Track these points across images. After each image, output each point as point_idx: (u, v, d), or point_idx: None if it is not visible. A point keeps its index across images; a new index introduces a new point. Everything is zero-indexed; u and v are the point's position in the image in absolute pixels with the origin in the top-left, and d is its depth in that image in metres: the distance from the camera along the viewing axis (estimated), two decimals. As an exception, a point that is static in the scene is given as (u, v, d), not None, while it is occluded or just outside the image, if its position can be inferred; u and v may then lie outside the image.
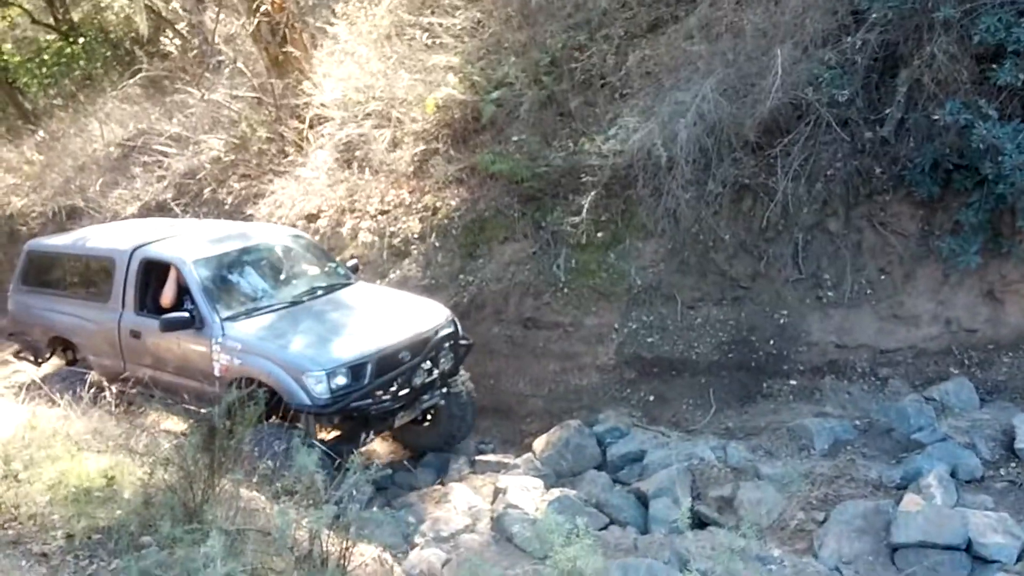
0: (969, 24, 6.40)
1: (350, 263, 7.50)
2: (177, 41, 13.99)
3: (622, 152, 7.75)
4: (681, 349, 7.41)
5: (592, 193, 7.89)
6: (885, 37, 6.98)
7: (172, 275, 6.60)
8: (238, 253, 6.90)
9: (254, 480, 4.65)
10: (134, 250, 6.92)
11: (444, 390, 6.65)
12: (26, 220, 13.10)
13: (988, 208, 6.54)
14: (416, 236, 8.72)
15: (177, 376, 6.47)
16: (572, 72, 8.91)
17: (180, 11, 13.71)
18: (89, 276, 7.47)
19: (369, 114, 9.83)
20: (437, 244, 8.37)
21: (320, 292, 6.85)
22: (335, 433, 6.29)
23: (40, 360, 7.89)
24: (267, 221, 9.80)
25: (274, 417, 6.04)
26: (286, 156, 10.47)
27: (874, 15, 6.93)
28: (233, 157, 10.92)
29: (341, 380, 5.78)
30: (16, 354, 8.17)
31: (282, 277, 6.99)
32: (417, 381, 6.17)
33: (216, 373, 6.13)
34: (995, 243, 6.69)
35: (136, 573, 3.32)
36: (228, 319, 6.22)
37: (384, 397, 5.99)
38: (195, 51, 12.83)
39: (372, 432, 6.32)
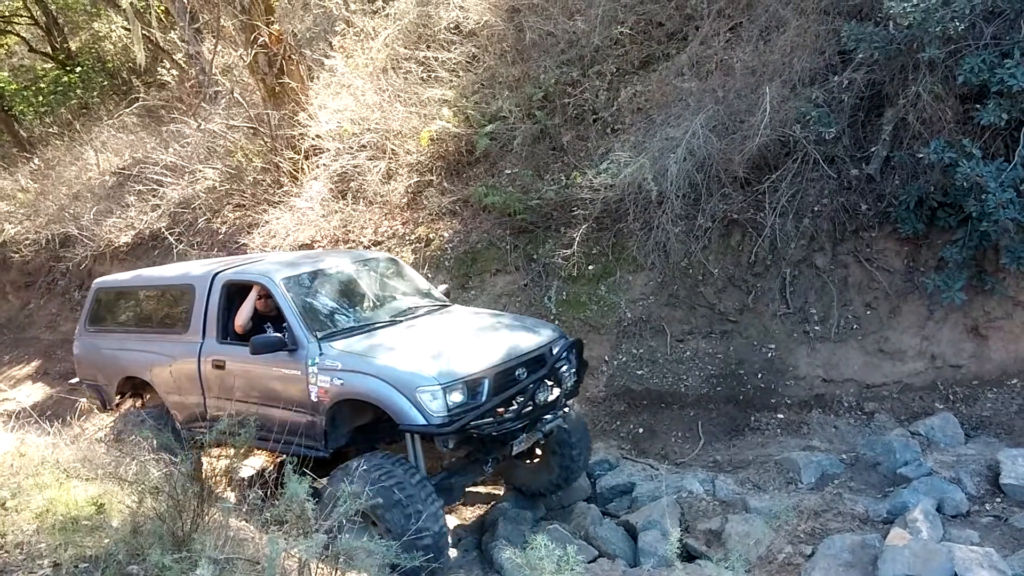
0: (953, 65, 6.56)
1: (441, 288, 7.04)
2: (174, 71, 14.16)
3: (613, 186, 7.87)
4: (670, 382, 7.46)
5: (583, 226, 8.00)
6: (871, 76, 7.15)
7: (250, 296, 6.14)
8: (329, 273, 6.39)
9: (243, 509, 4.65)
10: (216, 274, 6.42)
11: (565, 411, 6.06)
12: (19, 247, 13.13)
13: (972, 245, 6.65)
14: (409, 267, 8.79)
15: (265, 406, 5.85)
16: (565, 107, 9.08)
17: (178, 42, 13.89)
18: (165, 307, 6.95)
19: (364, 146, 9.96)
20: (430, 275, 8.44)
21: (420, 312, 6.32)
22: (453, 461, 5.82)
23: (109, 405, 7.26)
24: (261, 251, 9.86)
25: (381, 445, 5.75)
26: (281, 186, 10.55)
27: (860, 55, 7.09)
28: (228, 187, 11.01)
29: (457, 396, 5.16)
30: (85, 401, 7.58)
31: (377, 297, 6.48)
32: (541, 398, 5.56)
33: (313, 398, 5.54)
34: (979, 280, 6.79)
35: (123, 602, 3.31)
36: (324, 339, 5.66)
37: (506, 415, 5.35)
38: (192, 81, 12.98)
39: (491, 459, 5.70)
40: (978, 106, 6.46)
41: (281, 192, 10.45)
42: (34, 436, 5.41)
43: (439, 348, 5.51)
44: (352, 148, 10.03)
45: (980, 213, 6.32)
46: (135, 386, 7.09)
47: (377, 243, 9.16)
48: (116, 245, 11.65)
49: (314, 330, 5.69)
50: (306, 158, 10.50)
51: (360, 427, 5.76)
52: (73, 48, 17.02)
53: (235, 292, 6.29)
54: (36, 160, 14.99)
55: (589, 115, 9.00)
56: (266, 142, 10.90)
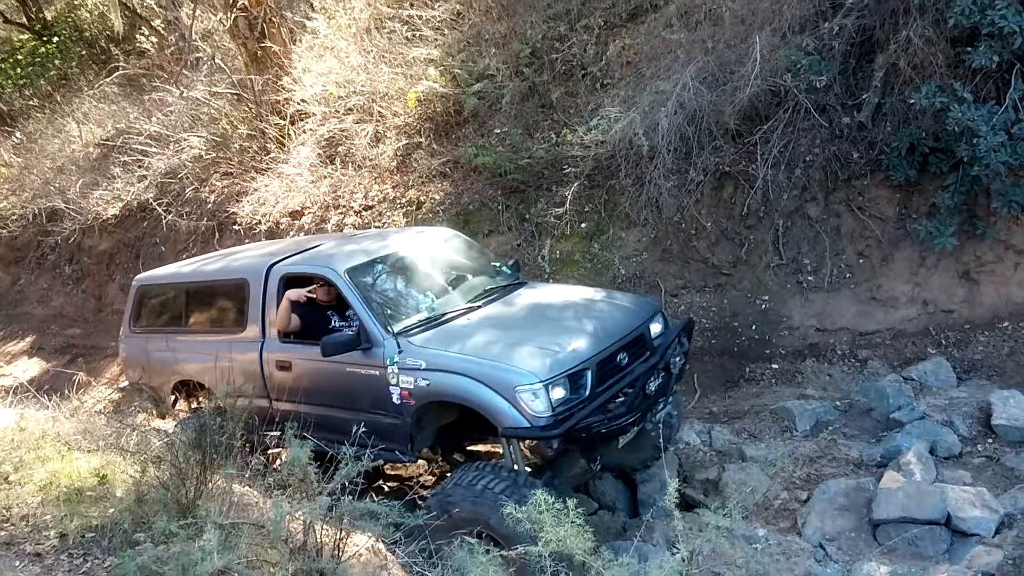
0: (944, 7, 6.47)
1: (510, 261, 6.54)
2: (153, 38, 13.90)
3: (604, 142, 7.81)
4: (666, 336, 7.50)
5: (575, 184, 7.96)
6: (862, 22, 7.06)
7: (286, 299, 5.59)
8: (394, 258, 5.84)
9: (246, 475, 4.69)
10: (270, 267, 5.87)
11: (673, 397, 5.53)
12: (6, 223, 13.02)
13: (964, 190, 6.64)
14: (401, 230, 8.75)
15: (340, 410, 5.37)
16: (553, 63, 8.96)
17: (155, 7, 13.62)
18: (217, 305, 6.42)
19: (350, 109, 9.84)
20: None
21: (496, 294, 5.76)
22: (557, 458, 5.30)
23: (164, 412, 6.71)
24: (251, 219, 9.80)
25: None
26: (268, 153, 10.44)
27: (851, 0, 7.00)
28: (214, 155, 10.90)
29: (559, 392, 4.67)
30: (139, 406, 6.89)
31: (448, 281, 5.88)
32: (652, 386, 5.05)
33: (395, 400, 5.05)
34: (971, 225, 6.80)
35: (133, 569, 3.35)
36: (402, 334, 5.15)
37: (618, 410, 4.84)
38: (172, 48, 12.75)
39: (598, 458, 5.21)
40: (969, 49, 6.40)
41: (268, 159, 10.35)
42: (33, 410, 5.42)
43: (530, 336, 5.04)
44: (338, 112, 9.91)
45: (971, 157, 6.30)
46: (191, 388, 6.58)
47: (368, 208, 9.11)
48: (104, 218, 11.56)
49: (388, 324, 5.18)
50: (292, 123, 10.37)
51: (443, 425, 5.34)
52: (49, 18, 16.67)
53: (293, 286, 5.77)
54: (18, 134, 14.77)
55: (578, 71, 8.90)
56: (251, 108, 10.75)
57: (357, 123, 9.75)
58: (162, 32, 13.59)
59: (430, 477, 6.49)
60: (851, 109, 7.26)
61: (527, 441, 5.06)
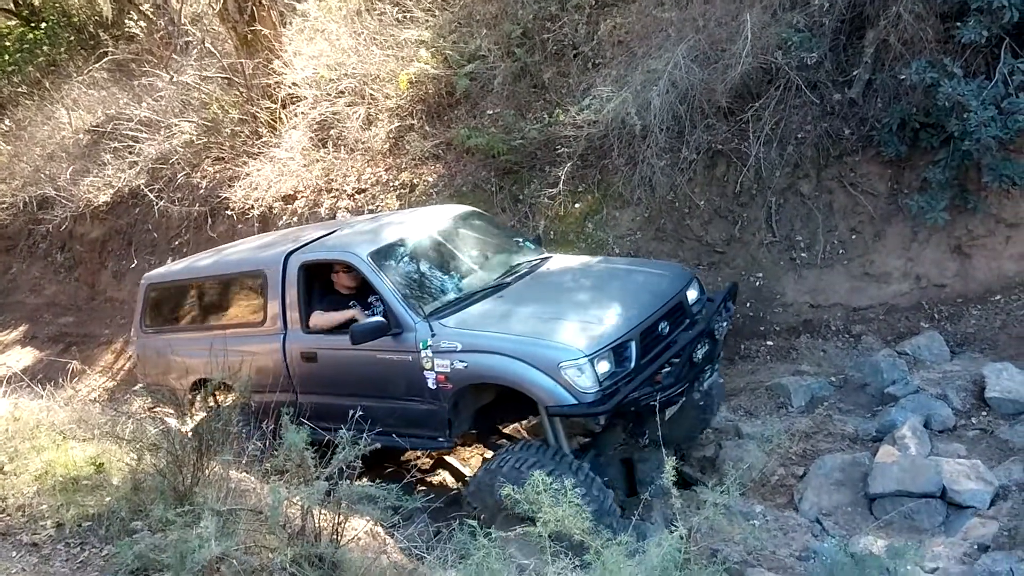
0: (934, -18, 6.47)
1: (531, 236, 6.35)
2: (142, 23, 13.76)
3: (596, 122, 7.78)
4: (660, 315, 7.51)
5: (568, 164, 7.94)
6: (852, -2, 7.03)
7: (332, 318, 5.34)
8: (416, 239, 5.65)
9: (243, 461, 4.71)
10: (288, 256, 5.67)
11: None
12: (-3, 211, 12.95)
13: (954, 165, 6.64)
14: (394, 214, 8.72)
15: (372, 399, 5.15)
16: (544, 43, 8.91)
17: (144, -8, 13.49)
18: (233, 299, 6.26)
19: (342, 92, 9.78)
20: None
21: (523, 269, 5.59)
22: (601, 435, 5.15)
23: (184, 411, 6.45)
24: (243, 204, 9.76)
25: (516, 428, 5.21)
26: (260, 137, 10.39)
27: (840, -24, 6.97)
28: (206, 140, 10.84)
29: (605, 366, 4.51)
30: (151, 410, 6.73)
31: (474, 259, 5.74)
32: (699, 354, 4.87)
33: (431, 385, 4.88)
34: (962, 199, 6.80)
35: (130, 557, 3.37)
36: (433, 317, 4.97)
37: (666, 380, 4.65)
38: (161, 32, 12.63)
39: (646, 433, 5.06)
40: (959, 24, 6.37)
41: (260, 143, 10.30)
42: (27, 400, 5.41)
43: (567, 310, 4.88)
44: (330, 95, 9.85)
45: (962, 132, 6.30)
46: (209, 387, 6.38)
47: (361, 191, 9.08)
48: (95, 205, 11.50)
49: (418, 308, 5.01)
50: (283, 107, 10.31)
51: (479, 408, 5.19)
52: (37, 3, 16.48)
53: (314, 274, 5.60)
54: (6, 121, 14.67)
55: (569, 50, 8.84)
56: (241, 92, 10.68)
57: (349, 106, 9.69)
58: (151, 16, 13.46)
59: (427, 460, 6.53)
60: (842, 86, 7.24)
61: (571, 419, 4.86)
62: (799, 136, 7.35)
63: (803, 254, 7.27)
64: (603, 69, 8.41)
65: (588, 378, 4.43)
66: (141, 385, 6.98)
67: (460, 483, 6.17)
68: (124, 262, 11.14)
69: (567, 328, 4.66)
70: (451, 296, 5.22)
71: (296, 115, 10.15)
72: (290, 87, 10.14)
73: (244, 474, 4.71)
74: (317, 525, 3.76)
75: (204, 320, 6.39)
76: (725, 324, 5.26)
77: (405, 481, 4.31)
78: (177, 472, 3.91)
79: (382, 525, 4.22)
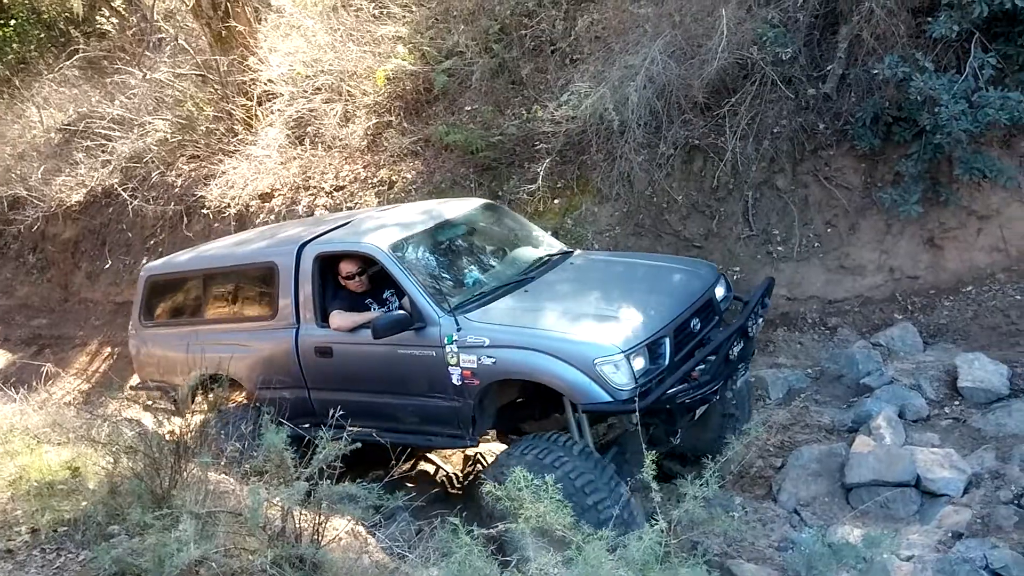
0: (904, -22, 6.54)
1: (549, 231, 6.29)
2: (114, 19, 13.57)
3: (575, 118, 7.79)
4: (639, 310, 7.54)
5: (547, 160, 7.94)
6: (825, -7, 7.10)
7: (350, 319, 5.17)
8: (436, 231, 5.48)
9: (222, 463, 4.67)
10: (302, 247, 5.48)
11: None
12: (-33, 212, 12.71)
13: (927, 158, 6.73)
14: (373, 211, 8.68)
15: (391, 396, 5.10)
16: (522, 39, 8.90)
17: (115, -13, 13.29)
18: (241, 292, 6.03)
19: (319, 89, 9.71)
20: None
21: (547, 264, 5.45)
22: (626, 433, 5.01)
23: (185, 409, 6.18)
24: (219, 203, 9.68)
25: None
26: (235, 135, 10.29)
27: (814, -28, 7.03)
28: (180, 138, 10.71)
29: (640, 363, 4.42)
30: (147, 407, 6.35)
31: (496, 253, 5.65)
32: (735, 351, 4.75)
33: (455, 382, 4.75)
34: (934, 192, 6.90)
35: (108, 562, 3.34)
36: (458, 311, 4.82)
37: (702, 379, 4.55)
38: (134, 29, 12.46)
39: (678, 432, 4.88)
40: (930, 19, 6.46)
41: (236, 141, 10.19)
42: (0, 404, 5.33)
43: (598, 306, 4.77)
44: (307, 92, 9.77)
45: (934, 126, 6.39)
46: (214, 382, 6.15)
47: (339, 188, 9.03)
48: (68, 205, 11.33)
49: (443, 301, 4.85)
50: (259, 104, 10.22)
51: (502, 406, 5.08)
52: (5, 1, 16.21)
53: (328, 266, 5.41)
54: (-24, 120, 14.41)
55: (547, 46, 8.84)
56: (216, 90, 10.56)
57: (326, 103, 9.62)
58: (123, 13, 13.27)
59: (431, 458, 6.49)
60: (816, 80, 7.31)
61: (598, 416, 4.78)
62: (775, 131, 7.41)
63: (779, 248, 7.34)
64: (581, 65, 8.42)
65: (624, 375, 4.34)
66: (137, 383, 6.76)
67: (445, 479, 6.18)
68: (98, 263, 10.99)
69: (600, 324, 4.56)
70: (476, 290, 5.08)
71: (272, 112, 10.06)
72: (266, 84, 10.05)
73: (223, 475, 4.68)
74: (297, 526, 3.74)
75: (208, 314, 6.14)
76: (760, 321, 5.17)
77: (386, 479, 4.30)
78: (155, 475, 3.87)
79: (363, 525, 4.20)
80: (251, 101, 10.22)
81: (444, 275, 5.28)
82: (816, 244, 7.27)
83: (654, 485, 3.54)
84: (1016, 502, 4.68)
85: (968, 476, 4.98)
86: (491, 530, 3.45)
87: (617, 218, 7.88)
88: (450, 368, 4.74)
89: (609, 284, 5.14)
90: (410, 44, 9.31)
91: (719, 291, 5.22)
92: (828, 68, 7.19)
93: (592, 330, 4.51)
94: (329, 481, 3.86)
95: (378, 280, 5.35)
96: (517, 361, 4.56)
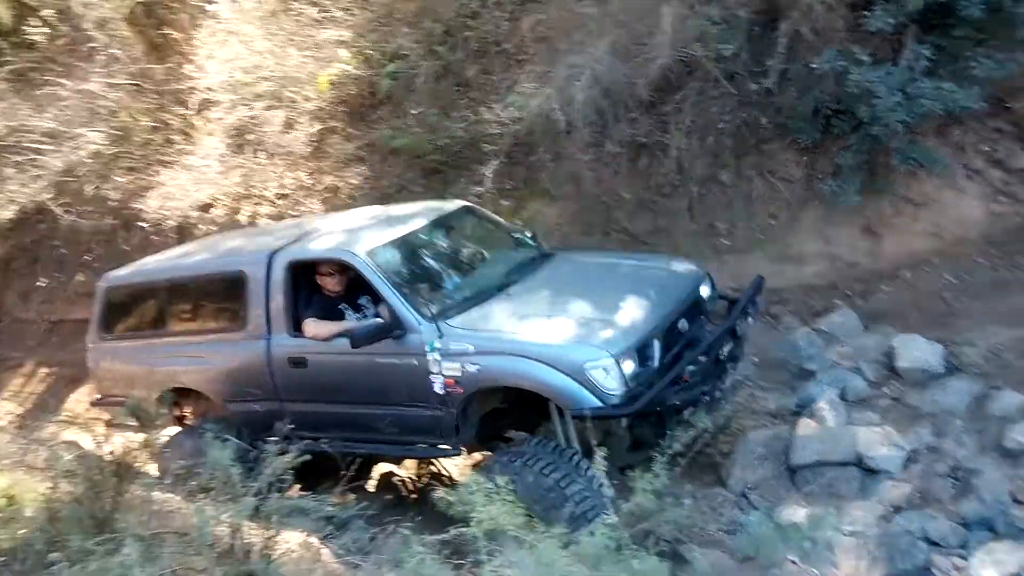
0: (840, -27, 6.67)
1: (528, 232, 6.19)
2: (44, 29, 13.14)
3: (521, 119, 7.80)
4: (591, 308, 7.58)
5: (495, 162, 7.93)
6: (764, -10, 7.21)
7: (328, 328, 5.05)
8: (414, 236, 5.38)
9: (166, 482, 4.55)
10: (273, 255, 5.35)
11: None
12: None
13: (865, 150, 6.88)
14: (319, 218, 8.55)
15: (369, 406, 4.99)
16: (467, 41, 8.86)
17: (44, -4, 12.87)
18: (207, 302, 5.87)
19: (259, 95, 9.53)
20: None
21: (529, 267, 5.37)
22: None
23: (148, 424, 5.85)
24: (158, 215, 9.45)
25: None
26: (173, 145, 10.06)
27: (752, -31, 7.14)
28: (116, 150, 10.40)
29: (630, 366, 4.34)
30: (110, 424, 6.12)
31: (476, 256, 5.56)
32: (724, 351, 4.75)
33: (437, 390, 4.65)
34: (872, 182, 7.06)
35: (48, 590, 3.22)
36: (439, 316, 4.72)
37: (693, 380, 4.49)
38: (64, 39, 12.08)
39: (667, 434, 4.56)
40: (867, 12, 6.59)
41: (174, 151, 9.97)
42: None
43: (585, 308, 4.66)
44: (247, 99, 9.58)
45: (871, 118, 6.54)
46: (180, 396, 6.01)
47: (283, 196, 8.89)
48: (-3, 223, 10.92)
49: (423, 308, 4.74)
50: (198, 113, 10.01)
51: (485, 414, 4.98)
52: (-74, 11, 15.60)
53: (301, 273, 5.27)
54: (-100, 137, 13.81)
55: (492, 47, 8.82)
56: (152, 99, 10.31)
57: (267, 109, 9.45)
58: (52, 22, 12.86)
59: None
60: (758, 76, 7.41)
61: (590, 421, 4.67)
62: (719, 127, 7.51)
63: (725, 241, 7.45)
64: (526, 65, 8.43)
65: (614, 379, 4.27)
66: (98, 399, 6.53)
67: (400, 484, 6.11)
68: (31, 281, 10.63)
69: (589, 327, 4.47)
70: (456, 295, 4.98)
71: (211, 121, 9.86)
72: (204, 92, 9.85)
73: (169, 495, 4.56)
74: (247, 542, 3.66)
75: (175, 325, 5.96)
76: (750, 320, 5.14)
77: (337, 489, 4.23)
78: (95, 498, 3.76)
79: (316, 536, 4.13)
80: (189, 110, 10.01)
81: (423, 281, 5.17)
82: (760, 236, 7.40)
83: (604, 480, 3.55)
84: (952, 475, 4.85)
85: (906, 452, 5.12)
86: (444, 535, 3.41)
87: (566, 218, 7.91)
88: (432, 376, 4.64)
89: (594, 285, 5.06)
90: (353, 48, 9.20)
91: (704, 290, 5.20)
92: (769, 64, 7.29)
93: (580, 334, 4.43)
94: (279, 495, 3.79)
95: (353, 285, 5.24)
96: (504, 368, 4.47)
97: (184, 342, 5.79)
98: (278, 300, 5.26)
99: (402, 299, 4.79)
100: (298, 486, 4.47)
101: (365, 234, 5.32)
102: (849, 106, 6.86)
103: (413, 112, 8.78)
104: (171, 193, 9.49)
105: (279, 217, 8.67)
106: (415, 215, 5.71)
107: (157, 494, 4.29)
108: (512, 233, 5.95)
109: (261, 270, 5.31)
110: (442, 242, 5.55)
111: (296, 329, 5.21)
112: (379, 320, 4.84)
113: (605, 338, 4.37)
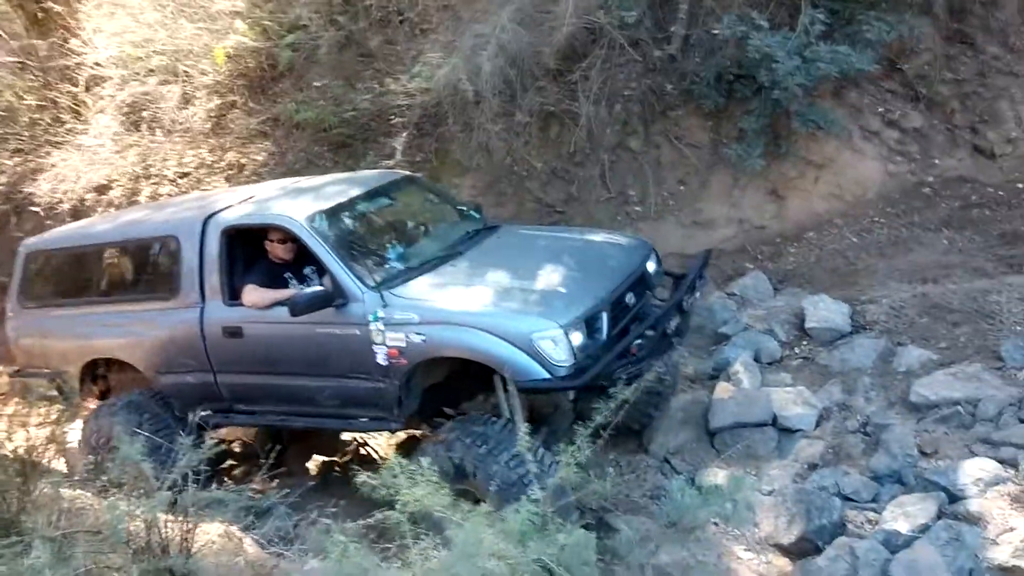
0: (735, -61, 6.80)
1: (473, 204, 6.03)
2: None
3: (429, 90, 7.68)
4: (508, 278, 7.61)
5: (404, 134, 7.79)
6: (663, -45, 7.29)
7: (268, 296, 4.83)
8: (355, 202, 5.18)
9: (76, 478, 4.37)
10: (208, 219, 5.09)
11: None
12: None
13: (767, 114, 7.09)
14: (224, 196, 8.26)
15: (308, 378, 4.82)
16: (368, 10, 8.63)
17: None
18: (136, 268, 5.61)
19: (152, 70, 9.11)
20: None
21: (475, 238, 5.22)
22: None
23: (72, 395, 5.75)
24: (51, 198, 8.95)
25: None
26: (63, 124, 9.52)
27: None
28: (1, 131, 9.79)
29: (578, 338, 4.22)
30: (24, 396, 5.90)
31: (420, 227, 5.41)
32: (671, 325, 4.65)
33: (380, 361, 4.48)
34: (775, 145, 7.30)
35: (-51, 603, 3.06)
36: (383, 286, 4.53)
37: (640, 354, 4.36)
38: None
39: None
40: (762, -23, 6.77)
41: (64, 131, 9.43)
42: None
43: (532, 280, 4.57)
44: (139, 74, 9.14)
45: (771, 82, 6.73)
46: (105, 367, 5.77)
47: (184, 175, 8.53)
48: None
49: (366, 276, 4.57)
50: (87, 90, 9.48)
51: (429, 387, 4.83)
52: None
53: (238, 240, 5.05)
54: None
55: (394, 16, 8.63)
56: (37, 76, 9.71)
57: (161, 84, 9.05)
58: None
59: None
60: (661, 42, 7.53)
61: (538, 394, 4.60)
62: (625, 94, 7.59)
63: (637, 208, 7.57)
64: (431, 35, 8.29)
65: (563, 351, 4.16)
66: (16, 370, 6.20)
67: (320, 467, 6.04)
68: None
69: (536, 298, 4.39)
70: (399, 265, 4.81)
71: (102, 98, 9.36)
72: (92, 68, 9.33)
73: (79, 491, 4.39)
74: (164, 537, 3.56)
75: (101, 292, 5.69)
76: (698, 295, 5.13)
77: (258, 477, 4.15)
78: (0, 500, 3.58)
79: (236, 526, 4.04)
80: (77, 87, 9.48)
81: (366, 249, 4.99)
82: (671, 202, 7.55)
83: (529, 456, 3.58)
84: (862, 430, 5.04)
85: (819, 410, 5.29)
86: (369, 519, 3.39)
87: (479, 188, 7.87)
88: (375, 347, 4.48)
89: (541, 257, 4.95)
90: (249, 19, 8.84)
91: (651, 265, 5.15)
92: (672, 30, 7.41)
93: (528, 305, 4.35)
94: (195, 486, 3.69)
95: (303, 254, 4.99)
96: (449, 338, 4.35)
97: (112, 311, 5.53)
98: (212, 267, 5.04)
99: (344, 266, 4.63)
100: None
101: (306, 200, 5.14)
102: (750, 71, 7.03)
103: (316, 84, 8.54)
104: (64, 175, 8.99)
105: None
106: (358, 183, 5.55)
107: (66, 491, 4.11)
108: (456, 205, 5.85)
109: (195, 235, 5.08)
110: (385, 211, 5.42)
111: (233, 297, 5.01)
112: (321, 288, 4.66)
113: (553, 309, 4.29)
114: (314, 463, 6.17)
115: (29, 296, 6.00)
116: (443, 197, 5.99)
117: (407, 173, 6.20)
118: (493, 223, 5.69)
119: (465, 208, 5.78)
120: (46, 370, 5.84)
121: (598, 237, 5.43)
